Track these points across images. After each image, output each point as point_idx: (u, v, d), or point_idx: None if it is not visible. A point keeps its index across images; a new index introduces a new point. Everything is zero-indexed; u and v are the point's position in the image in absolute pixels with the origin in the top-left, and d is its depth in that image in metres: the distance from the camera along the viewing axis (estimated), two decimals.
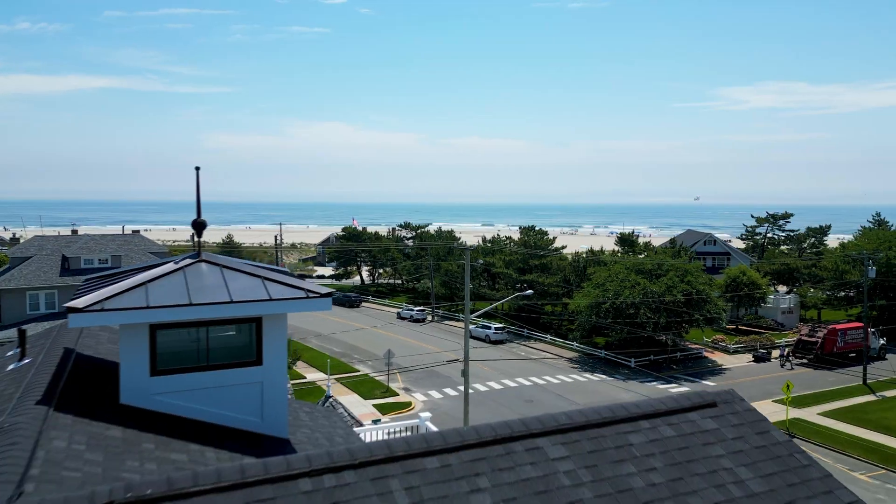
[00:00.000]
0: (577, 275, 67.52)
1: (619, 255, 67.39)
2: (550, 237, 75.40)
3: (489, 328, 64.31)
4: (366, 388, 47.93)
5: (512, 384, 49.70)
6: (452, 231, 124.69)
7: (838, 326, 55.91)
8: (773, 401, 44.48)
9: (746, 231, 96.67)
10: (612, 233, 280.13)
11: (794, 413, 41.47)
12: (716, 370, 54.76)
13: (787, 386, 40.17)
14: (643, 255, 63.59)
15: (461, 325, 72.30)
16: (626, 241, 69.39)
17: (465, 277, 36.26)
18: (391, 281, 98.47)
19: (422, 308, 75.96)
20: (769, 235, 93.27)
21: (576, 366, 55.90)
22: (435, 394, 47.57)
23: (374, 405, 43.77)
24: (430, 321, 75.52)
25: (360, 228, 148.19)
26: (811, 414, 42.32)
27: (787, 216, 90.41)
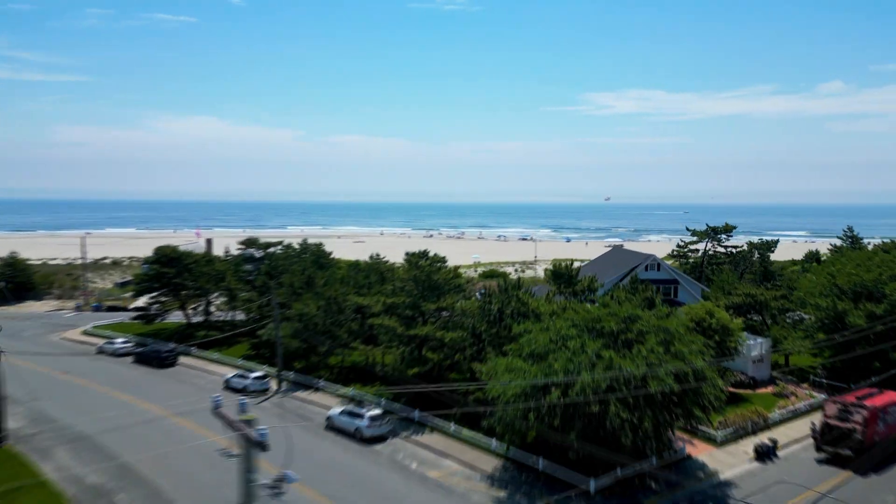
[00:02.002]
0: (489, 324, 45.95)
1: (554, 297, 45.72)
2: (449, 266, 52.93)
3: (360, 416, 41.21)
4: None
5: None
6: (322, 245, 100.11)
7: (877, 402, 38.07)
8: None
9: (677, 248, 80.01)
10: (499, 236, 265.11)
11: None
12: (713, 486, 35.06)
13: None
14: (595, 304, 42.27)
15: (325, 400, 48.37)
16: (563, 276, 47.11)
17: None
18: (233, 317, 71.79)
19: (261, 376, 51.21)
20: (709, 251, 76.94)
21: (498, 490, 34.13)
22: None
23: None
24: (276, 392, 50.98)
25: (200, 239, 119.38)
26: None
27: (728, 229, 74.46)
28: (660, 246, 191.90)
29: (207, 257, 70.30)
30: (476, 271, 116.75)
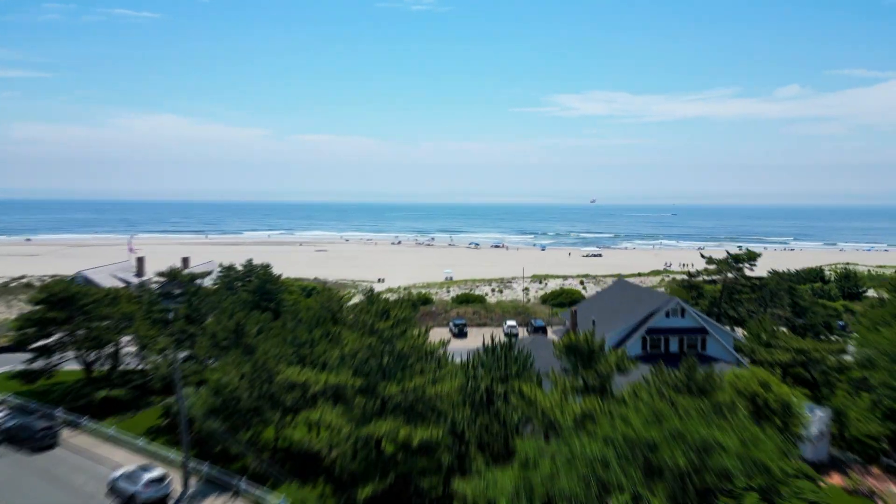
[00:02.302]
0: (474, 409, 32.78)
1: (570, 388, 32.05)
2: (415, 329, 38.84)
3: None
4: None
5: None
6: (270, 267, 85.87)
7: None
8: None
9: (688, 278, 68.17)
10: (472, 243, 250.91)
11: None
12: None
13: None
14: (637, 402, 28.76)
15: None
16: (581, 353, 32.40)
17: None
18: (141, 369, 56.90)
19: (158, 477, 37.10)
20: (727, 279, 64.98)
21: None
22: None
23: None
24: (179, 501, 36.97)
25: (132, 256, 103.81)
26: None
27: (752, 256, 62.66)
28: (642, 256, 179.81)
29: (113, 294, 55.50)
30: (448, 292, 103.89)
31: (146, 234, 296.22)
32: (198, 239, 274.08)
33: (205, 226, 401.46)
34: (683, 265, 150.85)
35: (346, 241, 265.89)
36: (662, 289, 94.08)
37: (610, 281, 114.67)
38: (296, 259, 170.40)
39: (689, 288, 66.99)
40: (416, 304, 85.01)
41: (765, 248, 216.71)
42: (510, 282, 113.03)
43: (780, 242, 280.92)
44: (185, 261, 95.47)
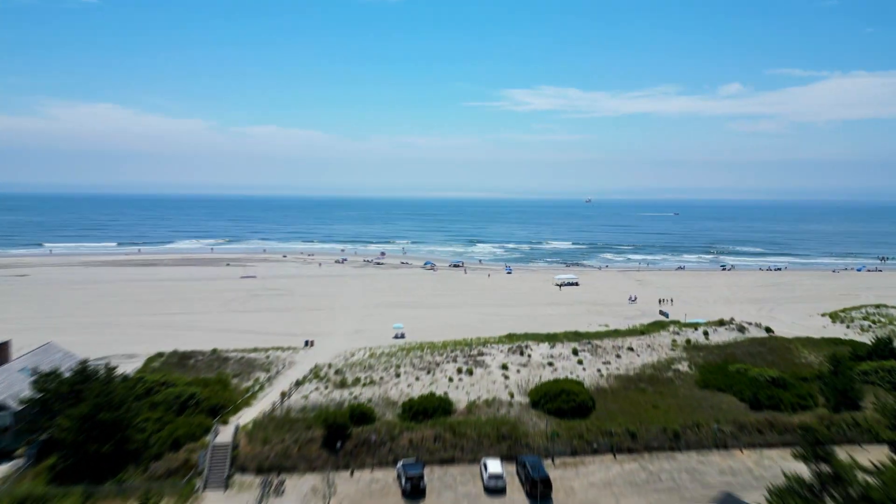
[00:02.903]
0: None
1: None
2: None
3: None
4: None
5: None
6: (115, 368, 55.37)
7: None
8: None
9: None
10: (427, 263, 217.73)
11: None
12: None
13: None
14: None
15: None
16: None
17: None
18: None
19: None
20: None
21: None
22: None
23: None
24: None
25: None
26: None
27: None
28: (621, 281, 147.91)
29: None
30: (399, 375, 74.58)
31: (53, 244, 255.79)
32: (108, 254, 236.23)
33: (128, 230, 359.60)
34: (684, 318, 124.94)
35: (284, 257, 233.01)
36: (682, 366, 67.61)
37: (609, 346, 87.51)
38: (208, 299, 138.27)
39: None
40: (348, 430, 55.61)
41: (758, 266, 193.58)
42: (481, 354, 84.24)
43: (756, 255, 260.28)
44: (3, 349, 63.39)
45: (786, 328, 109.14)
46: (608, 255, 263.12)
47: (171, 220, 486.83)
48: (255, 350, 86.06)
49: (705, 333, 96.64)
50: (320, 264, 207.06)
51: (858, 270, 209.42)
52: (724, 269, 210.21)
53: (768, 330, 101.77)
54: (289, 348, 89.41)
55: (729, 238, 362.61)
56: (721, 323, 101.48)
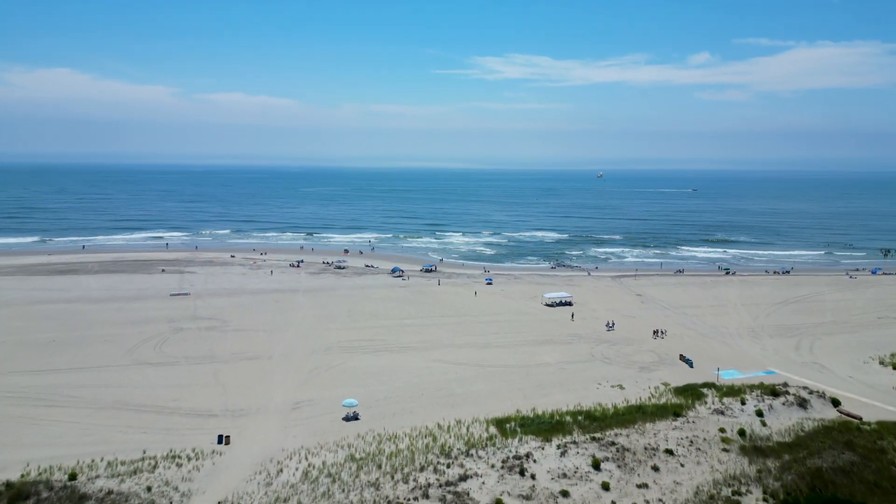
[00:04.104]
0: None
1: None
2: None
3: None
4: None
5: None
6: None
7: None
8: None
9: None
10: (395, 269, 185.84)
11: None
12: None
13: None
14: None
15: None
16: None
17: None
18: None
19: None
20: None
21: None
22: None
23: None
24: None
25: None
26: None
27: None
28: (621, 297, 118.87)
29: None
30: None
31: None
32: (20, 253, 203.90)
33: (59, 216, 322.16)
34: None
35: (233, 257, 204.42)
36: None
37: (640, 447, 63.15)
38: (116, 338, 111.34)
39: None
40: None
41: (763, 269, 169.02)
42: (464, 477, 58.83)
43: (750, 244, 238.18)
44: None
45: (844, 387, 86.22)
46: (597, 251, 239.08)
47: (114, 202, 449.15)
48: (135, 471, 59.04)
49: (759, 413, 73.00)
50: (272, 272, 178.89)
51: (874, 273, 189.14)
52: (727, 274, 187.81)
53: (835, 403, 78.60)
54: (192, 456, 62.81)
55: (715, 223, 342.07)
56: (774, 393, 77.68)
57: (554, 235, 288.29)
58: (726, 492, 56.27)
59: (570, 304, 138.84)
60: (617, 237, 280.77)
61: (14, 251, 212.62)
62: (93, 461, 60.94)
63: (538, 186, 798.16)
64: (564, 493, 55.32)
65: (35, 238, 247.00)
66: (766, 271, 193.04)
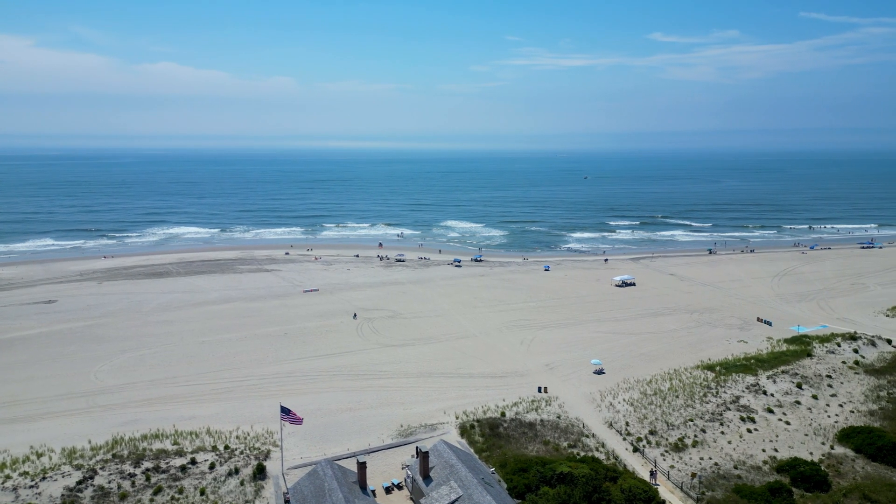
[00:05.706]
0: None
1: None
2: None
3: None
4: None
5: None
6: None
7: None
8: None
9: None
10: (455, 260, 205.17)
11: None
12: None
13: None
14: None
15: None
16: None
17: None
18: None
19: None
20: None
21: None
22: None
23: None
24: None
25: None
26: None
27: None
28: (672, 284, 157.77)
29: None
30: None
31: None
32: (90, 258, 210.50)
33: (59, 223, 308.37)
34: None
35: (287, 254, 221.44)
36: None
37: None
38: (337, 341, 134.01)
39: None
40: None
41: (733, 248, 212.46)
42: (715, 385, 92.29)
43: (723, 226, 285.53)
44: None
45: (879, 332, 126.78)
46: (615, 235, 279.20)
47: (71, 187, 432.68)
48: (531, 409, 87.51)
49: (855, 351, 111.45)
50: (349, 268, 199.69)
51: (812, 249, 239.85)
52: (710, 254, 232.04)
53: (888, 342, 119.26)
54: (537, 399, 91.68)
55: (725, 201, 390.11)
56: (853, 338, 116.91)
57: (590, 221, 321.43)
58: (882, 393, 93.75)
59: (633, 284, 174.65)
60: (633, 217, 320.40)
61: (75, 256, 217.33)
62: (486, 407, 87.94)
63: (525, 166, 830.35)
64: (797, 403, 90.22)
65: (79, 241, 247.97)
66: (737, 249, 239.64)
